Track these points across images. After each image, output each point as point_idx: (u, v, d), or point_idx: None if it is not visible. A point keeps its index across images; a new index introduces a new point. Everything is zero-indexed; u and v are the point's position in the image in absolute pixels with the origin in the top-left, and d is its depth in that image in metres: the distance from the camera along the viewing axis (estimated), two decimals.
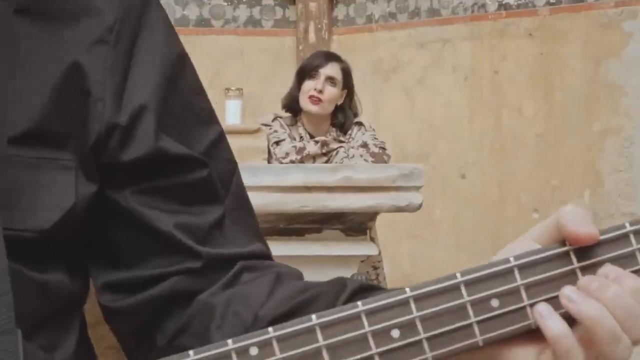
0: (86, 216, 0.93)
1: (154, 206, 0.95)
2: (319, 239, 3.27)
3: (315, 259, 3.22)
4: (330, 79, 4.33)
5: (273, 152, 4.27)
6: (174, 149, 0.96)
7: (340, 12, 6.31)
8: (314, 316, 0.82)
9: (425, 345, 0.83)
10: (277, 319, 0.89)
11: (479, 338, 0.84)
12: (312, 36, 6.20)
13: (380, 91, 6.12)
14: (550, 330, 0.80)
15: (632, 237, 0.85)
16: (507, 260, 0.84)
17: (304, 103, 4.32)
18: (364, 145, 4.31)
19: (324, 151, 4.29)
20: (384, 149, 4.33)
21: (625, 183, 5.29)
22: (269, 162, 4.19)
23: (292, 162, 4.19)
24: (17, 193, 0.88)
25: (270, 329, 0.80)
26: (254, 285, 0.97)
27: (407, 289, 0.85)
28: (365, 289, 0.94)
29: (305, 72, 4.37)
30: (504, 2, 5.70)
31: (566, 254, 0.85)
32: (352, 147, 4.32)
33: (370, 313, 0.83)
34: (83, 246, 0.97)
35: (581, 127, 5.45)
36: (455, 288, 0.84)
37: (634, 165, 5.27)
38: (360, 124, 4.48)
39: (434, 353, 0.83)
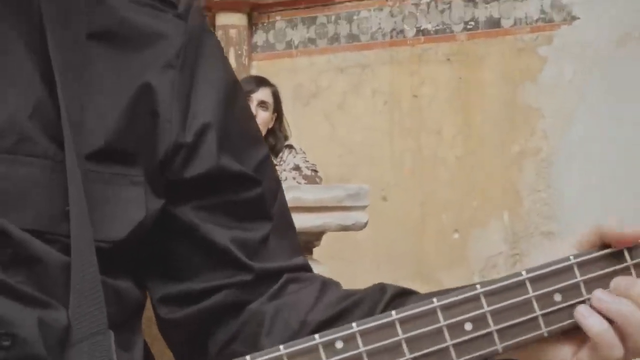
0: (152, 229, 0.97)
1: (212, 221, 1.00)
2: None
3: None
4: (262, 104, 4.40)
5: None
6: (233, 166, 1.01)
7: (259, 38, 6.39)
8: (393, 312, 0.88)
9: (495, 336, 0.89)
10: (324, 324, 0.96)
11: (544, 330, 0.90)
12: (232, 62, 6.25)
13: (301, 116, 6.19)
14: (592, 328, 0.87)
15: None
16: (567, 259, 0.91)
17: None
18: (296, 168, 4.38)
19: None
20: (315, 171, 4.40)
21: (544, 202, 5.46)
22: None
23: None
24: (92, 206, 0.92)
25: (354, 324, 0.86)
26: (301, 294, 1.02)
27: (478, 286, 0.90)
28: (402, 294, 1.01)
29: None
30: (422, 28, 5.84)
31: (620, 253, 0.92)
32: (285, 170, 4.38)
33: (445, 308, 0.89)
34: (145, 258, 1.01)
35: (500, 149, 5.61)
36: (520, 284, 0.91)
37: (551, 186, 5.44)
38: (290, 147, 4.55)
39: (504, 344, 0.90)
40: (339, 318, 0.98)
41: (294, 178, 4.30)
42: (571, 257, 0.92)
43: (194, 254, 1.00)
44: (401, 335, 0.88)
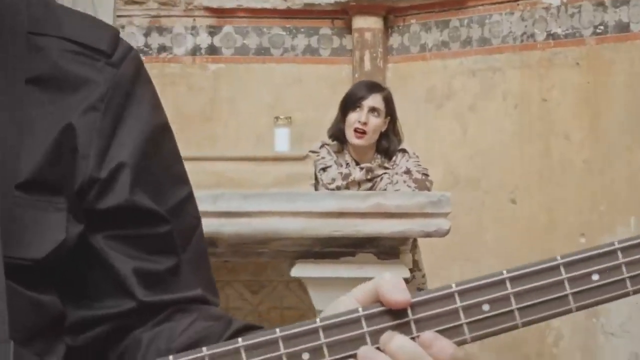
0: (72, 251, 1.12)
1: (119, 250, 1.13)
2: (353, 262, 3.47)
3: (350, 281, 3.41)
4: (373, 110, 4.53)
5: (320, 178, 4.49)
6: (144, 203, 1.14)
7: (395, 40, 6.51)
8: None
9: (517, 313, 0.94)
10: (180, 350, 1.04)
11: (572, 305, 0.95)
12: (367, 64, 6.40)
13: (433, 117, 6.30)
14: None
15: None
16: (611, 243, 0.95)
17: (350, 136, 4.53)
18: (407, 171, 4.49)
19: (368, 177, 4.49)
20: (426, 175, 4.51)
21: None
22: (316, 187, 4.41)
23: (338, 187, 4.40)
24: (19, 228, 1.07)
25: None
26: (177, 324, 1.14)
27: (504, 271, 0.95)
28: (249, 328, 1.11)
29: (348, 105, 4.58)
30: (552, 32, 5.85)
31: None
32: (396, 174, 4.51)
33: (462, 292, 0.95)
34: (62, 281, 1.14)
35: (627, 154, 5.57)
36: (554, 268, 0.95)
37: None
38: (404, 150, 4.67)
39: (524, 320, 0.94)
40: (194, 346, 1.05)
41: (405, 182, 4.42)
42: (615, 243, 0.95)
43: (99, 281, 1.13)
44: (410, 317, 0.94)
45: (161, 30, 6.58)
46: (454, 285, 0.95)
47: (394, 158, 4.64)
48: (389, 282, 0.95)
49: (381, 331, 0.95)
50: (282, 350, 0.95)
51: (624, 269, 0.95)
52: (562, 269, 0.95)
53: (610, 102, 5.64)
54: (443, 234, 3.38)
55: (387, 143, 4.63)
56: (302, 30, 6.59)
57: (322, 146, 4.67)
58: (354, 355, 0.95)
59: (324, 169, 4.54)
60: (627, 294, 0.96)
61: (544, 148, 5.87)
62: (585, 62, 5.73)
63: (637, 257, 0.95)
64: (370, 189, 4.45)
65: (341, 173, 4.50)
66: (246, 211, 3.38)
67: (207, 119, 6.55)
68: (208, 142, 6.45)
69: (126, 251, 1.13)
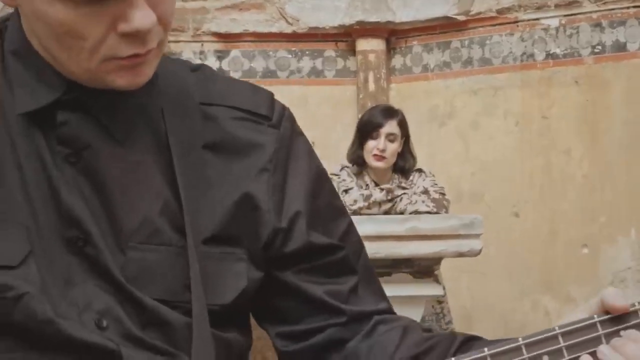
0: (254, 294, 1.31)
1: (309, 280, 1.33)
2: (390, 282, 3.69)
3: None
4: (390, 136, 4.77)
5: (342, 200, 4.69)
6: (320, 240, 1.33)
7: (397, 62, 6.71)
8: (637, 303, 1.20)
9: None
10: None
11: None
12: (371, 85, 6.58)
13: (436, 135, 6.50)
14: None
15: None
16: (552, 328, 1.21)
17: (370, 161, 4.76)
18: (425, 191, 4.71)
19: (388, 198, 4.71)
20: (443, 194, 4.73)
21: None
22: None
23: (360, 208, 4.61)
24: (208, 278, 1.24)
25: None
26: (388, 335, 1.33)
27: (556, 327, 1.20)
28: (469, 339, 1.31)
29: (366, 132, 4.80)
30: (551, 52, 6.08)
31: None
32: (415, 194, 4.73)
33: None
34: (260, 308, 1.35)
35: (626, 169, 5.80)
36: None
37: None
38: (420, 170, 4.90)
39: None
40: (417, 358, 1.29)
41: (423, 201, 4.63)
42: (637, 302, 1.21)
43: (299, 305, 1.33)
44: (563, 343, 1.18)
45: (170, 56, 6.74)
46: None
47: (411, 177, 4.86)
48: (612, 292, 1.19)
49: (615, 333, 1.19)
50: (525, 355, 1.17)
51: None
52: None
53: (608, 119, 5.88)
54: (475, 253, 3.61)
55: (403, 162, 4.86)
56: (307, 53, 6.78)
57: (342, 169, 4.89)
58: (593, 353, 1.17)
59: (345, 191, 4.75)
60: None
61: (545, 164, 6.09)
62: (583, 81, 5.97)
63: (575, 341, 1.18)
64: (390, 208, 4.66)
65: (362, 194, 4.71)
66: None
67: None
68: None
69: (314, 279, 1.33)
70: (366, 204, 4.65)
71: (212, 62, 6.78)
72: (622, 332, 1.20)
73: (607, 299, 1.20)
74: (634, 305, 1.21)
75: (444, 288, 4.78)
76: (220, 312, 1.26)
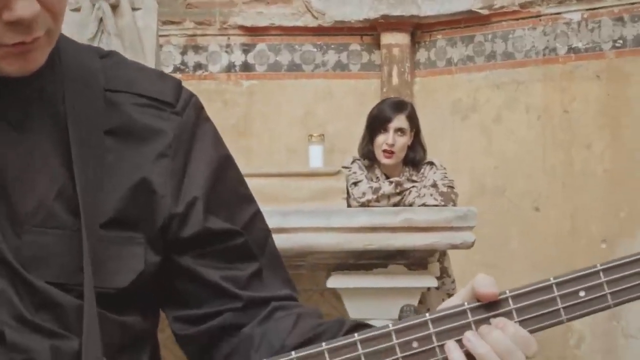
0: (153, 277, 1.33)
1: (206, 264, 1.35)
2: (384, 273, 3.73)
3: (381, 290, 3.67)
4: (398, 130, 4.80)
5: (351, 192, 4.73)
6: (218, 225, 1.35)
7: (421, 55, 6.73)
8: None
9: (609, 297, 1.20)
10: (296, 347, 1.30)
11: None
12: (395, 79, 6.61)
13: (459, 129, 6.52)
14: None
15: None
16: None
17: (379, 156, 4.80)
18: (434, 184, 4.73)
19: (397, 191, 4.73)
20: (452, 187, 4.74)
21: None
22: (348, 201, 4.66)
23: (369, 201, 4.64)
24: (104, 262, 1.27)
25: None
26: (282, 322, 1.36)
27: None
28: (358, 326, 1.32)
29: (375, 127, 4.84)
30: (573, 46, 6.07)
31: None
32: (424, 187, 4.75)
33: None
34: (155, 295, 1.37)
35: None
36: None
37: None
38: (432, 163, 4.92)
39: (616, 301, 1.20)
40: (307, 343, 1.30)
41: (431, 195, 4.65)
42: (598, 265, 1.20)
43: (196, 289, 1.36)
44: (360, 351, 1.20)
45: (197, 49, 6.83)
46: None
47: (422, 170, 4.89)
48: (482, 279, 1.20)
49: (485, 320, 1.20)
50: (395, 341, 1.19)
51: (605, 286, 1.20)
52: (554, 288, 1.20)
53: (629, 114, 5.85)
54: (468, 246, 3.63)
55: (414, 154, 4.89)
56: (333, 46, 6.82)
57: (353, 161, 4.92)
58: (459, 341, 1.19)
59: (355, 184, 4.78)
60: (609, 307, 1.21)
61: (566, 158, 6.08)
62: (605, 75, 5.94)
63: (617, 276, 1.19)
64: (399, 201, 4.69)
65: (371, 187, 4.74)
66: (285, 227, 3.63)
67: (242, 134, 6.78)
68: (243, 156, 6.69)
69: (211, 264, 1.36)
70: (375, 196, 4.68)
71: (238, 56, 6.85)
72: (491, 320, 1.21)
73: (477, 286, 1.21)
74: (504, 293, 1.21)
75: (453, 281, 4.80)
76: (117, 295, 1.29)
